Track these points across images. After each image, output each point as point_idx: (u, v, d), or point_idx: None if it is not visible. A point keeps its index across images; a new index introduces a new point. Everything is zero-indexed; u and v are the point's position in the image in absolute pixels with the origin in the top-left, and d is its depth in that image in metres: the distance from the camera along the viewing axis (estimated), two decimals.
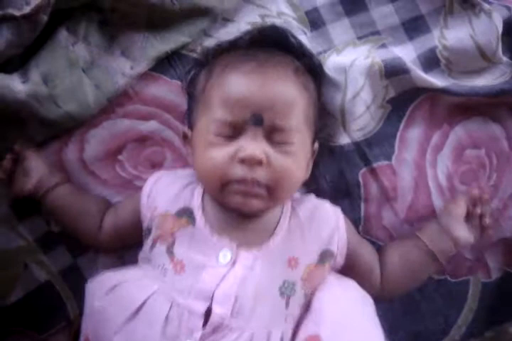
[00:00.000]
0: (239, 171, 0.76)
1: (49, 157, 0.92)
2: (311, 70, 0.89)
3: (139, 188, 0.91)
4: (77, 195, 0.92)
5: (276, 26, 0.92)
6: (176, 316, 0.74)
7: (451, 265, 0.97)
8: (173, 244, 0.80)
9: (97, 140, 0.93)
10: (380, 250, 0.93)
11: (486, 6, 0.93)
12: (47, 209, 0.91)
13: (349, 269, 0.87)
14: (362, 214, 0.96)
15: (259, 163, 0.76)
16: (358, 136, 0.95)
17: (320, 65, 0.93)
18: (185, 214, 0.82)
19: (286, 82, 0.82)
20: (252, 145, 0.77)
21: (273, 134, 0.79)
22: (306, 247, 0.83)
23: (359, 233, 0.94)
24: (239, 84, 0.80)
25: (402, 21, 0.97)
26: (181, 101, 0.94)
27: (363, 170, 0.96)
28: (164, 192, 0.86)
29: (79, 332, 0.81)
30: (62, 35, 0.87)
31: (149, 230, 0.84)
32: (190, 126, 0.87)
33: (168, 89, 0.94)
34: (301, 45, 0.90)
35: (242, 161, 0.76)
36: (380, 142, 0.96)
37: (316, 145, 0.89)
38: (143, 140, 0.94)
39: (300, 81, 0.83)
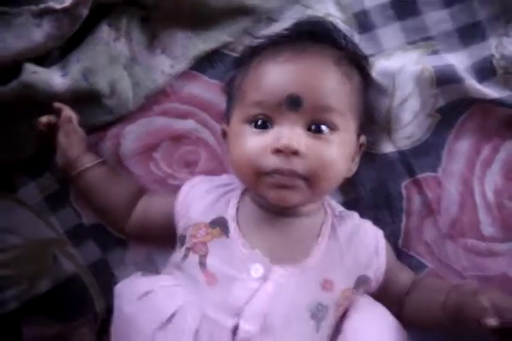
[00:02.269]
0: (272, 162, 0.72)
1: None
2: (356, 62, 0.83)
3: (172, 186, 0.91)
4: (113, 178, 0.90)
5: (318, 18, 0.88)
6: (206, 329, 0.71)
7: None
8: (205, 255, 0.77)
9: (133, 136, 0.93)
10: (414, 283, 0.86)
11: None
12: (78, 188, 0.90)
13: (378, 293, 0.83)
14: (402, 226, 0.92)
15: (296, 153, 0.71)
16: (404, 144, 0.91)
17: (366, 57, 0.88)
18: (219, 224, 0.79)
19: (325, 69, 0.77)
20: (288, 133, 0.72)
21: (313, 118, 0.74)
22: (343, 271, 0.79)
23: (398, 246, 0.90)
24: (273, 71, 0.76)
25: (457, 27, 0.92)
26: (219, 101, 0.92)
27: (407, 180, 0.91)
28: (199, 201, 0.83)
29: (104, 326, 0.81)
30: (104, 30, 0.87)
31: (183, 239, 0.82)
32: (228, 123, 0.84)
33: (206, 89, 0.93)
34: (344, 36, 0.85)
35: (277, 152, 0.72)
36: (426, 152, 0.92)
37: (363, 138, 0.84)
38: (178, 138, 0.93)
39: (341, 70, 0.78)
